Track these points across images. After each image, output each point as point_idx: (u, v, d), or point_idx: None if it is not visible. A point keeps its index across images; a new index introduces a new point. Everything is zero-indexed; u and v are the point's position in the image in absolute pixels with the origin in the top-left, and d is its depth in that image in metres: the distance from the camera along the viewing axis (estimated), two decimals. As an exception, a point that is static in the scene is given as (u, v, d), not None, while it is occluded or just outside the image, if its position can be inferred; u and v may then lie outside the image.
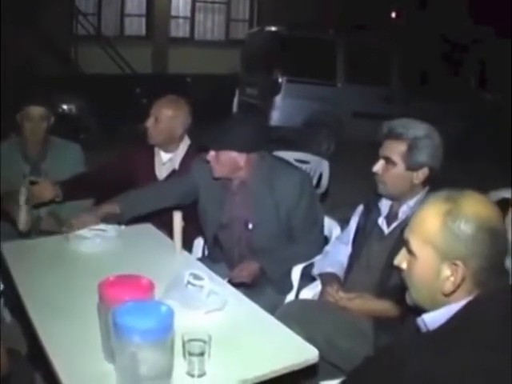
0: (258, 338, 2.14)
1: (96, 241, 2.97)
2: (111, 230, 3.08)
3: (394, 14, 16.41)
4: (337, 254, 2.95)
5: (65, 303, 2.32)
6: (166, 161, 3.71)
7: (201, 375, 1.84)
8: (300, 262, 3.10)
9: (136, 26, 15.73)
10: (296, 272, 3.07)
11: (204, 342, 1.83)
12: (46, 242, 3.08)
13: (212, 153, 3.02)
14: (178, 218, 2.92)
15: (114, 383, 1.78)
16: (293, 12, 14.03)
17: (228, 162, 3.01)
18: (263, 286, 3.00)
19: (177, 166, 3.66)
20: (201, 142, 3.20)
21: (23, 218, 3.06)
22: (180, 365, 1.84)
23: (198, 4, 16.27)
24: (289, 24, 11.06)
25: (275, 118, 9.96)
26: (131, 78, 12.90)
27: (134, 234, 3.20)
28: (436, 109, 9.04)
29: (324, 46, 10.36)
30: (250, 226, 3.08)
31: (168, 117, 3.61)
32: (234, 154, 3.00)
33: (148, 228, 3.29)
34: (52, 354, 1.96)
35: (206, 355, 1.83)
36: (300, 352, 2.05)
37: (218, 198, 3.18)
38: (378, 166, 2.63)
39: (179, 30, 16.25)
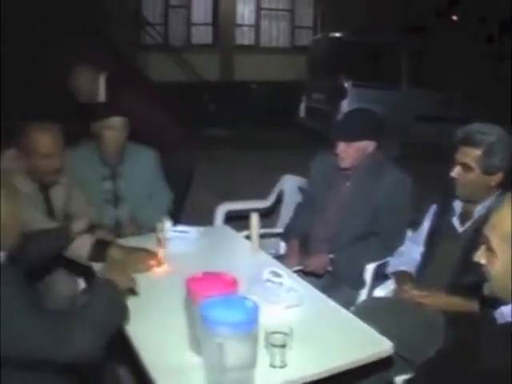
0: (335, 331, 2.23)
1: (179, 242, 3.12)
2: (193, 231, 3.25)
3: (455, 17, 16.21)
4: (410, 254, 3.04)
5: (151, 300, 2.45)
6: None
7: (282, 366, 1.94)
8: (372, 260, 3.20)
9: (203, 34, 16.00)
10: (369, 270, 3.17)
11: (286, 334, 1.92)
12: (129, 243, 3.21)
13: (342, 145, 3.24)
14: (255, 220, 3.04)
15: (199, 374, 1.88)
16: (356, 17, 14.08)
17: (358, 151, 3.25)
18: (337, 282, 3.13)
19: None
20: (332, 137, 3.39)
21: None
22: (262, 357, 1.94)
23: (262, 12, 16.46)
24: (352, 29, 11.17)
25: (342, 122, 9.95)
26: (199, 85, 13.15)
27: (213, 235, 3.37)
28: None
29: (388, 50, 10.45)
30: (350, 210, 3.29)
31: None
32: (365, 143, 3.25)
33: (226, 229, 3.44)
34: (140, 348, 2.08)
35: (287, 347, 1.93)
36: (375, 345, 2.13)
37: (330, 186, 3.43)
38: (456, 172, 2.72)
39: (245, 37, 16.46)
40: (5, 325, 1.71)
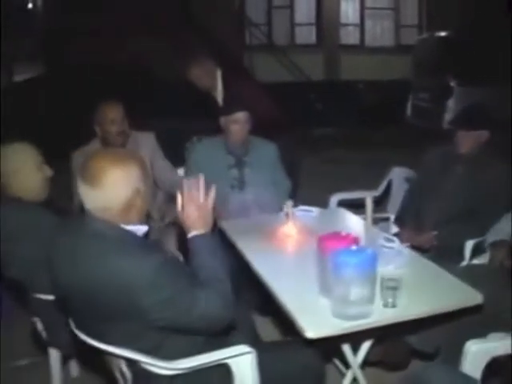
0: (434, 284, 2.75)
1: (304, 218, 3.68)
2: (315, 210, 3.84)
3: None
4: (507, 227, 3.47)
5: (286, 259, 3.10)
6: None
7: (393, 306, 2.46)
8: (471, 238, 3.65)
9: (306, 34, 16.38)
10: (468, 246, 3.63)
11: (397, 280, 2.44)
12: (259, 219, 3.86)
13: (462, 133, 3.82)
14: (369, 201, 3.59)
15: (327, 310, 2.43)
16: (461, 15, 14.05)
17: (475, 139, 3.82)
18: (440, 256, 3.56)
19: None
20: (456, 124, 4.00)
21: None
22: (377, 300, 2.46)
23: (366, 11, 16.63)
24: (458, 28, 11.33)
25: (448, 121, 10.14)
26: (305, 84, 13.62)
27: (332, 214, 4.03)
28: None
29: (493, 48, 10.46)
30: (458, 192, 3.82)
31: None
32: (480, 133, 3.84)
33: (343, 211, 4.02)
34: (281, 295, 2.64)
35: (398, 290, 2.44)
36: (467, 295, 2.61)
37: (442, 171, 3.96)
38: None
39: (349, 36, 16.70)
40: (169, 289, 2.09)
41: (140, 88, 10.23)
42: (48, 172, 3.16)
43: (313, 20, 16.39)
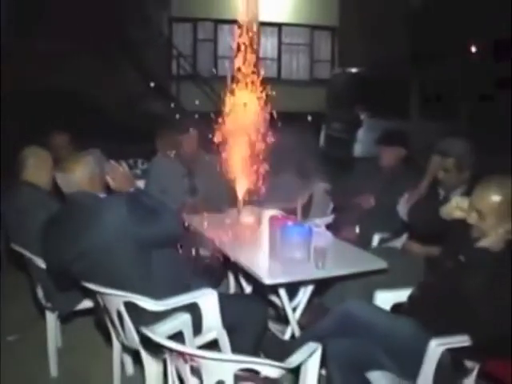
0: (351, 256, 3.77)
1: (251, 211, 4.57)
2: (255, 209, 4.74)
3: (473, 49, 16.61)
4: None
5: (238, 240, 4.03)
6: None
7: (323, 267, 3.40)
8: (383, 231, 4.68)
9: (227, 66, 17.23)
10: (376, 237, 4.68)
11: (325, 248, 3.38)
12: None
13: (383, 148, 4.87)
14: (299, 205, 4.53)
15: (278, 268, 3.37)
16: (370, 51, 15.38)
17: (395, 154, 4.86)
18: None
19: None
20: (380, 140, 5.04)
21: None
22: (311, 263, 3.42)
23: (283, 46, 17.83)
24: (368, 65, 12.57)
25: (358, 149, 11.27)
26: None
27: (270, 212, 4.82)
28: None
29: (399, 83, 11.66)
30: (384, 199, 4.68)
31: None
32: (399, 149, 4.89)
33: (276, 211, 4.92)
34: (241, 259, 3.57)
35: (325, 257, 3.39)
36: (375, 262, 3.59)
37: (370, 182, 4.91)
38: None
39: (267, 70, 17.56)
40: (145, 223, 3.11)
41: (75, 112, 10.79)
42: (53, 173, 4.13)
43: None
